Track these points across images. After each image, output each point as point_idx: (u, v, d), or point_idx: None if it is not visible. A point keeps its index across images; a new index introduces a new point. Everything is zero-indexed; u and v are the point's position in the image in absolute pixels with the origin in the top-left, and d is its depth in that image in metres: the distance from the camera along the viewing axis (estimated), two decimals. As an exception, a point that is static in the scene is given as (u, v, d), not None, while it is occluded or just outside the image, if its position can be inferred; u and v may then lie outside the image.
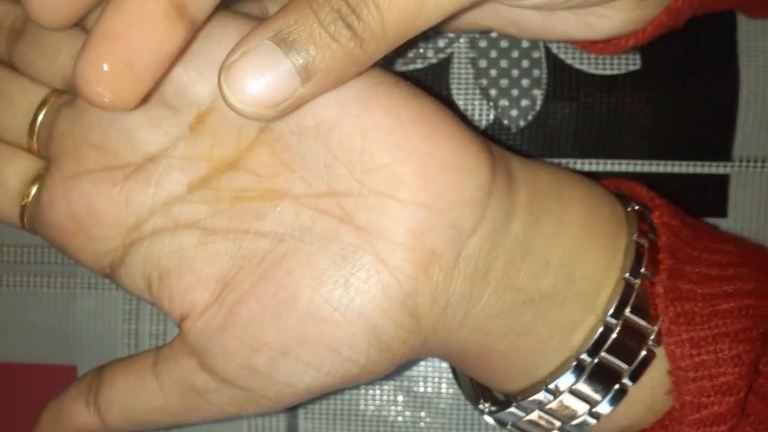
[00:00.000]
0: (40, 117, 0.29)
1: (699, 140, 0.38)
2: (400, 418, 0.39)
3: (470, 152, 0.26)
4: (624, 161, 0.38)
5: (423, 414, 0.39)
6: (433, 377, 0.39)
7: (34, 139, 0.29)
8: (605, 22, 0.29)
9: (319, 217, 0.26)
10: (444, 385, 0.39)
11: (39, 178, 0.29)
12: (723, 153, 0.38)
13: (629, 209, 0.29)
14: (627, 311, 0.27)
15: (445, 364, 0.39)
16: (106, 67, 0.22)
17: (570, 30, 0.30)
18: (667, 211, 0.29)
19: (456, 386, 0.39)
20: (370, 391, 0.40)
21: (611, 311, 0.27)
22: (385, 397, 0.39)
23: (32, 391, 0.39)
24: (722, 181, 0.38)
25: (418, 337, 0.26)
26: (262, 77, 0.22)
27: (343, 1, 0.22)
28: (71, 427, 0.29)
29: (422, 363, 0.40)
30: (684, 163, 0.38)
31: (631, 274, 0.27)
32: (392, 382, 0.40)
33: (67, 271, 0.40)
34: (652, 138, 0.38)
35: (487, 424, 0.39)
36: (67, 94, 0.29)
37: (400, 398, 0.39)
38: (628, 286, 0.27)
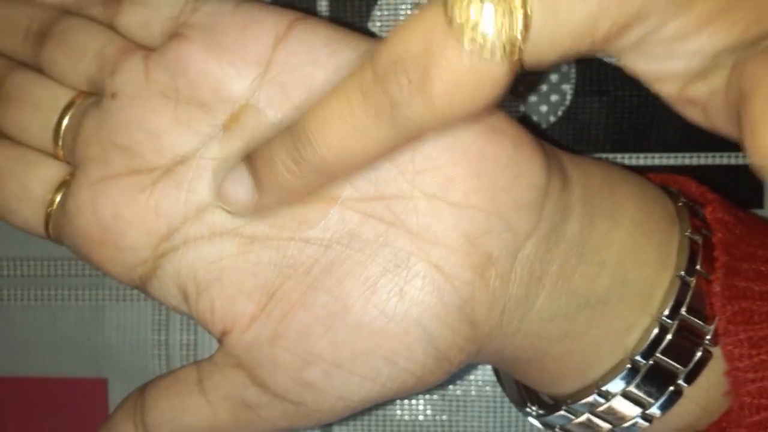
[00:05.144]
0: (65, 121, 0.28)
1: (732, 131, 0.37)
2: (437, 421, 0.39)
3: (524, 151, 0.25)
4: (657, 154, 0.37)
5: (460, 417, 0.39)
6: (470, 379, 0.39)
7: (60, 144, 0.28)
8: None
9: (367, 221, 0.25)
10: (481, 387, 0.39)
11: (64, 185, 0.28)
12: (757, 144, 0.37)
13: (679, 204, 0.28)
14: (683, 311, 0.26)
15: (481, 366, 0.39)
16: None
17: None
18: (720, 206, 0.28)
19: (494, 388, 0.38)
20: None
21: (666, 311, 0.26)
22: (421, 400, 0.39)
23: (63, 405, 0.38)
24: (757, 171, 0.37)
25: (474, 344, 0.26)
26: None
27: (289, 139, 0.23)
28: None
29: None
30: (718, 154, 0.37)
31: (686, 273, 0.27)
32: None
33: (95, 284, 0.40)
34: (684, 130, 0.37)
35: (525, 427, 0.38)
36: (93, 96, 0.28)
37: (436, 400, 0.39)
38: (684, 285, 0.26)
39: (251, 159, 0.25)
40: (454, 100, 0.21)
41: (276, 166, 0.24)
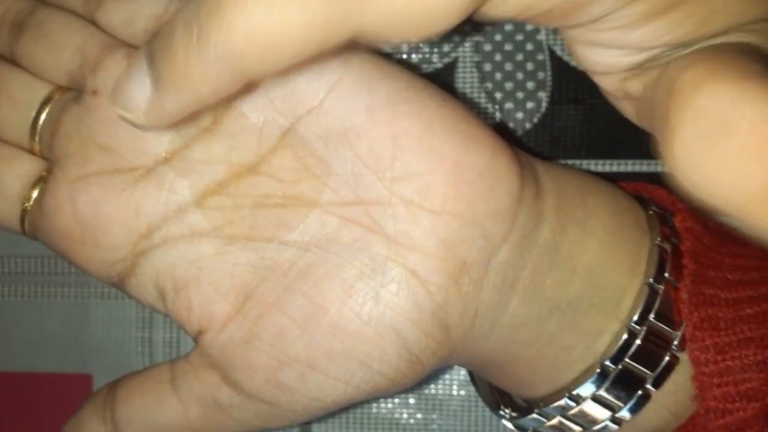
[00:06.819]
0: (43, 115, 0.27)
1: (704, 140, 0.38)
2: (412, 420, 0.39)
3: (500, 160, 0.26)
4: (630, 161, 0.38)
5: (435, 416, 0.39)
6: (444, 378, 0.39)
7: (37, 140, 0.28)
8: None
9: (345, 225, 0.25)
10: (455, 387, 0.39)
11: (41, 181, 0.27)
12: (728, 152, 0.38)
13: (650, 213, 0.29)
14: (651, 317, 0.27)
15: (456, 367, 0.39)
16: None
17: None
18: (690, 215, 0.29)
19: (467, 387, 0.39)
20: (382, 395, 0.39)
21: (635, 317, 0.27)
22: (397, 400, 0.39)
23: (48, 400, 0.39)
24: (728, 180, 0.38)
25: (447, 348, 0.26)
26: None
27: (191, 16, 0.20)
28: None
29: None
30: (690, 163, 0.38)
31: (654, 280, 0.27)
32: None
33: (81, 281, 0.40)
34: (657, 138, 0.38)
35: (498, 425, 0.39)
36: (72, 91, 0.27)
37: (411, 400, 0.39)
38: (652, 292, 0.27)
39: (149, 47, 0.21)
40: None
41: (174, 51, 0.20)
